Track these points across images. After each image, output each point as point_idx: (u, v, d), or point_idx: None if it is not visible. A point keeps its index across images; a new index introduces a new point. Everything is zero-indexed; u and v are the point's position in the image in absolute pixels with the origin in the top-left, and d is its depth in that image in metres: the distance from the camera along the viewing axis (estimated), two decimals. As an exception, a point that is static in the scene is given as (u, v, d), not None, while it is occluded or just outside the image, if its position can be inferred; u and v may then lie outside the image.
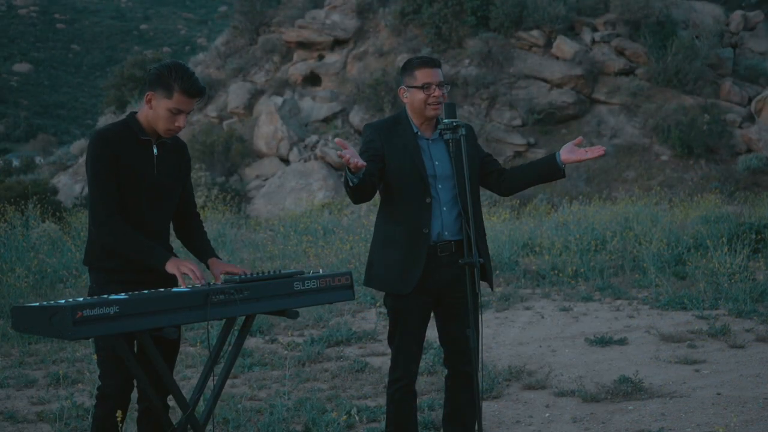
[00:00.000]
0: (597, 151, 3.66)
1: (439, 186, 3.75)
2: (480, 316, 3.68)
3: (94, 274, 3.48)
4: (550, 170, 3.81)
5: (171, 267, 3.33)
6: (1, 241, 10.96)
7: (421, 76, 3.74)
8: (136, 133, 3.45)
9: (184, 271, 3.30)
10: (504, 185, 3.92)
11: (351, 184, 3.52)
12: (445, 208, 3.76)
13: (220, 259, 3.66)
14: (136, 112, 3.50)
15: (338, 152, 3.43)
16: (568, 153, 3.74)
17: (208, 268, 3.66)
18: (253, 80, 30.07)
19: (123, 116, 3.57)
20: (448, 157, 3.72)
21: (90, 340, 5.72)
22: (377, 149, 3.75)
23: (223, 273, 3.52)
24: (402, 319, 3.78)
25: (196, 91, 3.39)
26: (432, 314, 3.89)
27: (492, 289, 3.98)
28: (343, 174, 3.58)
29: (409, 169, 3.73)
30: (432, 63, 3.77)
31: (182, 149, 3.65)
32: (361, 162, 3.42)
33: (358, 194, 3.60)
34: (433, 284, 3.76)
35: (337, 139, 3.52)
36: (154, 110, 3.41)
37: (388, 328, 3.89)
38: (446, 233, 3.76)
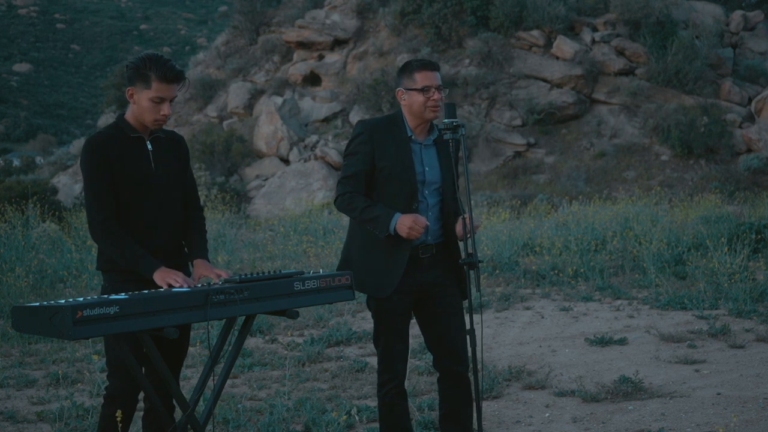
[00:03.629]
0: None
1: (426, 192, 3.78)
2: (473, 316, 3.64)
3: (108, 276, 3.47)
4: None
5: (158, 278, 3.32)
6: (1, 241, 10.96)
7: (421, 78, 3.74)
8: (127, 132, 3.46)
9: (171, 282, 3.30)
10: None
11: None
12: (430, 213, 3.78)
13: (209, 262, 3.61)
14: (124, 114, 3.50)
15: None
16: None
17: (192, 266, 3.63)
18: (253, 80, 30.07)
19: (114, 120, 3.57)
20: (438, 162, 3.78)
21: (90, 339, 5.74)
22: (368, 153, 3.73)
23: (201, 276, 3.51)
24: (385, 321, 3.78)
25: (174, 75, 3.39)
26: (414, 318, 3.90)
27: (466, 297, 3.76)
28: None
29: (399, 174, 3.73)
30: (431, 66, 3.78)
31: (179, 141, 3.66)
32: None
33: None
34: (412, 285, 3.76)
35: None
36: (137, 104, 3.42)
37: (373, 331, 3.87)
38: (429, 238, 3.78)
